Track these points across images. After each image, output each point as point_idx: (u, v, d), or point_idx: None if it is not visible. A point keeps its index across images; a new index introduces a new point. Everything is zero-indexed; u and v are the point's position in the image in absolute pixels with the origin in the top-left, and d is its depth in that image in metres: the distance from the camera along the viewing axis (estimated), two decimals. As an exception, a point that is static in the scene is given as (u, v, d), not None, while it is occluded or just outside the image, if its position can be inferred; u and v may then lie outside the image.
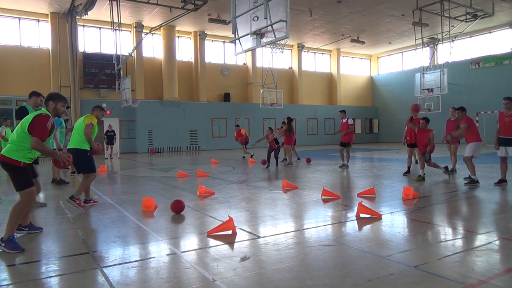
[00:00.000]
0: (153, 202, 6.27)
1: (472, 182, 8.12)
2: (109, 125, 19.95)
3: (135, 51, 21.62)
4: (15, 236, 4.26)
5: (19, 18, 21.23)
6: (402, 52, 31.87)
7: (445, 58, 24.53)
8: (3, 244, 4.10)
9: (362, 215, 5.43)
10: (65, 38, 21.54)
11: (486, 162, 12.23)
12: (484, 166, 11.27)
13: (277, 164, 13.07)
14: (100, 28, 23.30)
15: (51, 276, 3.50)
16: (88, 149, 6.57)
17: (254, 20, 8.50)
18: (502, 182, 7.93)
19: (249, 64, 28.04)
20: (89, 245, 4.35)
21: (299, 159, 15.30)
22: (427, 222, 5.19)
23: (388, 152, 20.04)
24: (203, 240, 4.55)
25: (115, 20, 18.05)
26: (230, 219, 4.74)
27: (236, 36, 9.07)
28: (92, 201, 6.85)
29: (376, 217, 5.35)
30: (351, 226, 5.15)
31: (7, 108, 20.15)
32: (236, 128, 17.73)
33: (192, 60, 26.18)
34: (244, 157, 17.19)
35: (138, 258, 3.91)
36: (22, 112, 6.01)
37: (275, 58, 24.16)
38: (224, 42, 27.25)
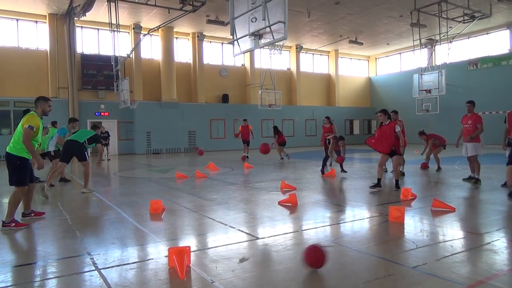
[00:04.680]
0: (161, 204, 6.16)
1: (476, 182, 8.38)
2: (102, 126, 19.94)
3: (133, 52, 21.58)
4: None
5: (17, 19, 21.17)
6: (400, 53, 31.92)
7: (443, 59, 24.56)
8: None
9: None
10: (63, 39, 21.50)
11: (484, 162, 12.22)
12: (483, 167, 11.25)
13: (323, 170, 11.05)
14: (98, 29, 23.26)
15: (48, 278, 3.49)
16: (27, 157, 5.37)
17: (252, 21, 8.50)
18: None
19: (248, 65, 28.04)
20: (87, 247, 4.34)
21: (282, 159, 15.86)
22: (425, 223, 5.19)
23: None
24: (201, 242, 4.54)
25: (113, 21, 18.02)
26: None
27: (235, 37, 9.07)
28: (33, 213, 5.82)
29: (375, 218, 5.35)
30: (350, 227, 5.15)
31: (5, 110, 20.11)
32: (244, 123, 17.45)
33: (191, 61, 26.17)
34: (247, 157, 16.73)
35: (137, 260, 3.90)
36: None
37: (273, 59, 24.14)
38: (222, 43, 27.24)
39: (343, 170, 11.22)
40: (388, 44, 29.50)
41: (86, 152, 8.50)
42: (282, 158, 15.74)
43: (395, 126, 7.82)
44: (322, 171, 10.99)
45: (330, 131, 12.77)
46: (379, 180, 7.95)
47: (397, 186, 7.86)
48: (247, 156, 16.79)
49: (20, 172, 5.26)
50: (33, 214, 5.81)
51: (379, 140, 8.05)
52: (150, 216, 5.88)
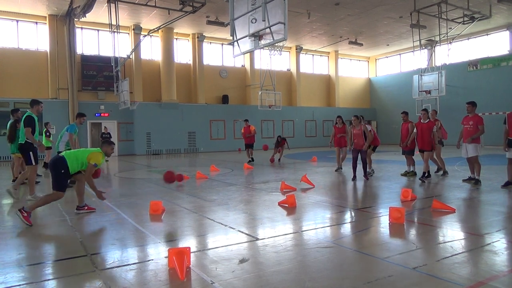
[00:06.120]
0: (161, 205, 6.15)
1: (477, 182, 8.40)
2: (105, 127, 19.95)
3: (133, 53, 21.61)
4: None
5: (17, 21, 21.19)
6: (400, 54, 31.94)
7: (442, 60, 24.58)
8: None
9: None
10: (63, 40, 21.52)
11: (483, 163, 12.22)
12: (482, 168, 11.26)
13: (365, 175, 9.60)
14: (98, 30, 23.28)
15: (48, 279, 3.48)
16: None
17: (252, 22, 8.51)
18: (509, 184, 7.90)
19: (247, 66, 28.06)
20: (87, 248, 4.33)
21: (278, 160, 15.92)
22: (425, 224, 5.19)
23: (386, 154, 20.05)
24: (201, 242, 4.54)
25: (113, 22, 18.03)
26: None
27: (234, 38, 9.08)
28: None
29: (375, 218, 5.35)
30: (350, 227, 5.15)
31: (5, 111, 20.07)
32: (246, 124, 16.33)
33: (191, 62, 26.19)
34: (252, 159, 15.72)
35: (137, 261, 3.90)
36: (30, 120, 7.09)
37: (273, 60, 24.17)
38: (222, 44, 27.27)
39: (365, 176, 9.61)
40: (388, 45, 29.53)
41: (30, 154, 7.35)
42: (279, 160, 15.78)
43: (434, 126, 9.15)
44: (366, 177, 9.60)
45: (343, 132, 12.11)
46: (429, 172, 9.27)
47: (428, 175, 9.22)
48: (252, 159, 15.68)
49: (63, 179, 5.83)
50: (86, 208, 6.27)
51: (420, 138, 9.37)
52: (150, 217, 5.88)
